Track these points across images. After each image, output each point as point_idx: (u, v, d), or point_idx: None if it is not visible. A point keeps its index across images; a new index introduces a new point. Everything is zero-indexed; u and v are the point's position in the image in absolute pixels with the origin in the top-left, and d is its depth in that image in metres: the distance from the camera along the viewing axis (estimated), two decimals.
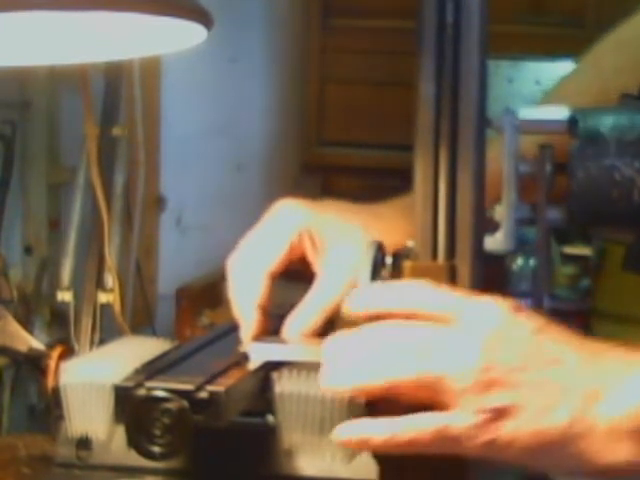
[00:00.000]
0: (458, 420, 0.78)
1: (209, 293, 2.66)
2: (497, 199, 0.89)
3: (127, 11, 0.76)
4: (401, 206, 1.04)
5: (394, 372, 0.79)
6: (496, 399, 0.77)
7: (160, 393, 0.85)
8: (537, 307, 0.89)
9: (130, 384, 0.87)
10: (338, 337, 0.83)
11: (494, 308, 0.80)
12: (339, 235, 1.02)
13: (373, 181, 3.44)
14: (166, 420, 0.84)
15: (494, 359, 0.78)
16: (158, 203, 2.79)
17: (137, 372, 0.90)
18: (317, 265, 1.03)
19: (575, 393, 0.77)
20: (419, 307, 0.81)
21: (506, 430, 0.77)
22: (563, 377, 0.78)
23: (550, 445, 0.77)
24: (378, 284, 0.85)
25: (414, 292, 0.82)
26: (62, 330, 1.99)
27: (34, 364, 1.19)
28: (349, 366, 0.81)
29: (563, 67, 3.14)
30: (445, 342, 0.79)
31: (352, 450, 0.89)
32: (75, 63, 0.93)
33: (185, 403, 0.84)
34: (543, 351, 0.78)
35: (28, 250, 2.22)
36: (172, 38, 0.87)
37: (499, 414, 0.77)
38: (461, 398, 0.78)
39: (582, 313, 2.77)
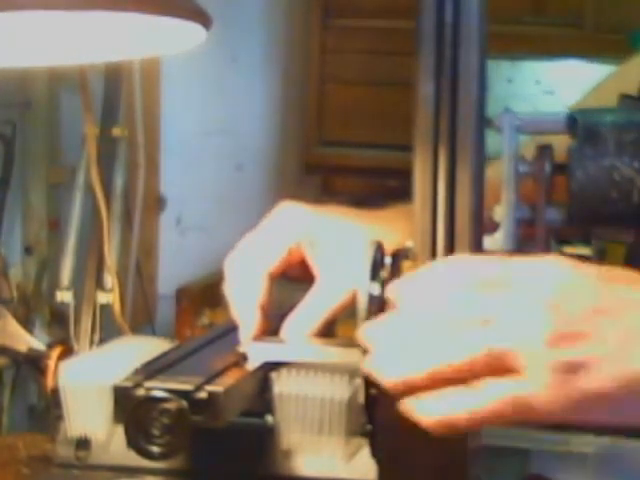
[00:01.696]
0: (532, 383, 0.71)
1: (209, 293, 2.66)
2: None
3: (126, 11, 0.76)
4: (403, 210, 1.03)
5: (460, 354, 0.72)
6: (569, 353, 0.71)
7: (159, 393, 0.85)
8: None
9: (129, 384, 0.87)
10: (381, 322, 0.76)
11: (551, 264, 0.74)
12: (340, 238, 1.02)
13: (373, 181, 3.44)
14: (165, 420, 0.84)
15: (561, 315, 0.72)
16: (158, 203, 2.79)
17: (136, 372, 0.90)
18: (317, 268, 1.02)
19: None
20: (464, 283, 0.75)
21: (588, 385, 0.71)
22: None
23: None
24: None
25: (453, 270, 0.76)
26: (62, 330, 1.99)
27: (34, 364, 1.19)
28: (403, 355, 0.74)
29: (563, 67, 3.15)
30: (506, 309, 0.72)
31: (351, 450, 0.90)
32: (75, 64, 0.93)
33: (184, 403, 0.84)
34: (615, 295, 0.73)
35: (28, 250, 2.22)
36: (171, 39, 0.87)
37: (575, 368, 0.71)
38: (533, 363, 0.71)
39: None
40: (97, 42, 0.89)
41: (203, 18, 0.78)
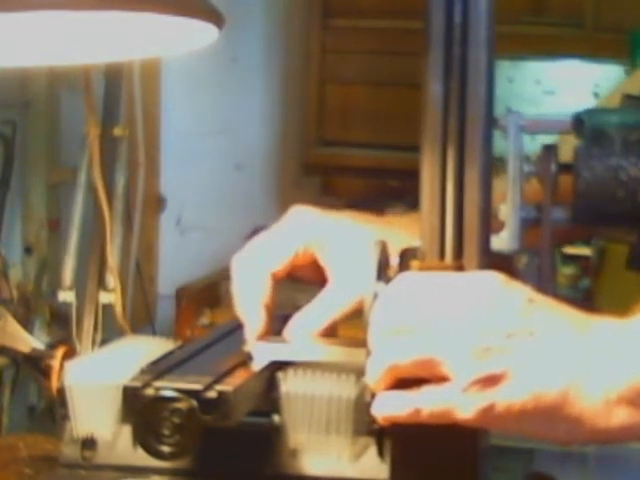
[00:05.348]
0: (454, 390, 0.79)
1: (209, 293, 2.67)
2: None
3: (141, 11, 0.76)
4: (414, 218, 1.03)
5: (394, 358, 0.81)
6: (490, 365, 0.79)
7: (169, 393, 0.85)
8: None
9: (138, 384, 0.86)
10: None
11: (487, 279, 0.82)
12: (353, 241, 1.01)
13: (373, 181, 3.44)
14: (175, 420, 0.84)
15: (487, 327, 0.79)
16: (158, 203, 2.79)
17: (144, 372, 0.90)
18: (330, 270, 1.02)
19: (571, 358, 0.79)
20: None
21: (502, 395, 0.79)
22: (558, 342, 0.79)
23: (547, 408, 0.79)
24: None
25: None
26: (62, 330, 1.99)
27: (34, 364, 1.19)
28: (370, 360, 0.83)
29: (563, 67, 3.15)
30: (439, 321, 0.81)
31: (358, 449, 0.90)
32: (79, 64, 0.93)
33: (194, 403, 0.84)
34: (537, 318, 0.80)
35: (28, 250, 2.22)
36: (183, 38, 0.86)
37: (494, 380, 0.79)
38: (457, 370, 0.79)
39: None
40: (104, 42, 0.89)
41: (216, 18, 0.78)
